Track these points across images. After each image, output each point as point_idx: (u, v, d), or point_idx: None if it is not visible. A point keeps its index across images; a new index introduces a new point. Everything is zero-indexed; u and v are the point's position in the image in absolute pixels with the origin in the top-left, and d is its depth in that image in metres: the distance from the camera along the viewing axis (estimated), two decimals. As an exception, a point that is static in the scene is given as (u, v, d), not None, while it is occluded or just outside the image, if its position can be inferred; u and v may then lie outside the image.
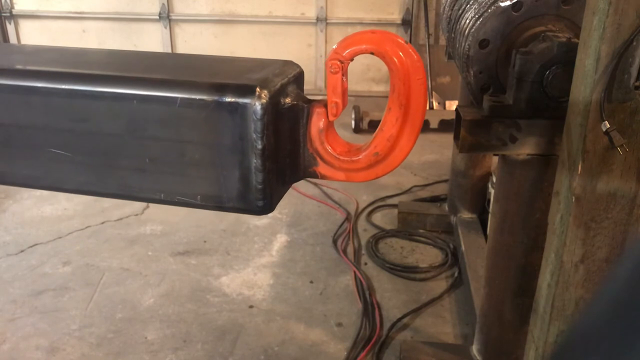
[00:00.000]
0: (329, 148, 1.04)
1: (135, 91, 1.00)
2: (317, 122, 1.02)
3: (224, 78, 1.02)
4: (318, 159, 1.05)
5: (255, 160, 0.98)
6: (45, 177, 1.12)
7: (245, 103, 0.95)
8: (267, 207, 1.04)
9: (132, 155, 1.05)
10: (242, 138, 0.97)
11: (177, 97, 0.98)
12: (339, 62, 0.95)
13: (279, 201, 1.08)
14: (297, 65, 1.12)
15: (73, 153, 1.07)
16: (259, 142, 0.96)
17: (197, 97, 0.97)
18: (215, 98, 0.96)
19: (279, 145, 1.01)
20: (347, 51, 0.96)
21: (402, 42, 0.96)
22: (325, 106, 1.00)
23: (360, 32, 0.98)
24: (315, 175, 1.06)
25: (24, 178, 1.15)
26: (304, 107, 1.02)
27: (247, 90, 0.96)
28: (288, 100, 1.01)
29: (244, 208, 1.04)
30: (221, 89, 0.97)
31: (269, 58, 1.18)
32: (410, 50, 0.96)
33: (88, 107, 1.03)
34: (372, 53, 0.97)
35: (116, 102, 1.01)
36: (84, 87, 1.02)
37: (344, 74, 0.98)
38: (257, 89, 0.95)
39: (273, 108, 0.97)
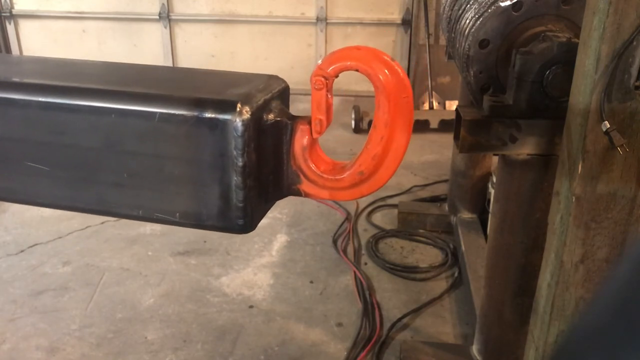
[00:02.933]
0: (312, 166, 1.02)
1: (113, 105, 0.98)
2: (301, 139, 1.00)
3: (205, 93, 0.99)
4: (302, 176, 1.02)
5: (235, 178, 0.95)
6: (21, 190, 1.09)
7: (226, 119, 0.92)
8: (247, 226, 1.02)
9: (110, 170, 1.03)
10: (222, 155, 0.95)
11: (156, 112, 0.95)
12: (323, 79, 0.94)
13: (261, 219, 1.05)
14: (282, 80, 1.10)
15: (50, 167, 1.05)
16: (240, 160, 0.94)
17: (177, 112, 0.94)
18: (195, 114, 0.93)
19: (261, 163, 0.98)
20: (331, 67, 0.94)
21: (388, 59, 0.95)
22: (309, 123, 0.98)
23: (345, 48, 0.97)
24: (298, 193, 1.04)
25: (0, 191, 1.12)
26: (287, 124, 1.00)
27: (228, 106, 0.93)
28: (271, 116, 0.99)
29: (224, 226, 1.02)
30: (201, 104, 0.94)
31: (259, 68, 1.16)
32: (397, 67, 0.95)
33: (65, 120, 1.00)
34: (356, 70, 0.95)
35: (94, 116, 0.99)
36: (61, 99, 1.00)
37: (329, 90, 0.97)
38: (239, 105, 0.93)
39: (255, 124, 0.94)
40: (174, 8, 5.79)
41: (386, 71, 0.94)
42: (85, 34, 5.93)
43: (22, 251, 3.03)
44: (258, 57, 5.78)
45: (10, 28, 5.96)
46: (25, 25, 6.01)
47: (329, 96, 0.98)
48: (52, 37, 5.95)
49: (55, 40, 5.93)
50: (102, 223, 3.30)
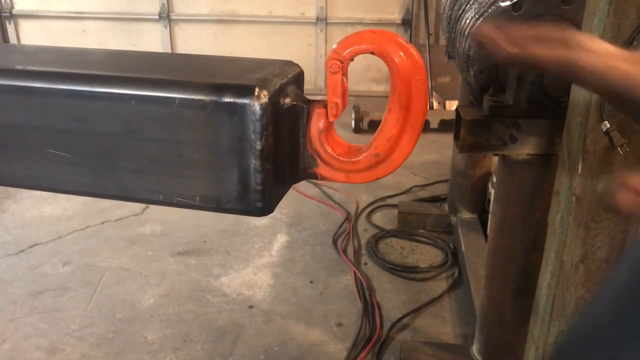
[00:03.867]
0: (328, 149, 1.03)
1: (133, 91, 0.99)
2: (317, 123, 1.01)
3: (223, 78, 1.00)
4: (318, 159, 1.03)
5: (254, 161, 0.97)
6: (43, 178, 1.11)
7: (244, 103, 0.94)
8: (266, 209, 1.03)
9: (130, 156, 1.04)
10: (240, 139, 0.96)
11: (175, 98, 0.97)
12: (338, 62, 0.94)
13: (278, 202, 1.07)
14: (297, 65, 1.11)
15: (71, 154, 1.06)
16: (258, 143, 0.95)
17: (196, 97, 0.96)
18: (214, 98, 0.95)
19: (278, 146, 1.00)
20: (347, 51, 0.95)
21: (403, 41, 0.95)
22: (325, 106, 0.99)
23: (360, 31, 0.97)
24: (315, 176, 1.05)
25: (21, 179, 1.14)
26: (303, 108, 1.01)
27: (246, 90, 0.95)
28: (287, 100, 1.00)
29: (243, 209, 1.03)
30: (220, 89, 0.96)
31: (269, 58, 1.17)
32: (411, 49, 0.95)
33: (86, 107, 1.02)
34: (372, 53, 0.96)
35: (114, 103, 1.00)
36: (81, 87, 1.01)
37: (344, 74, 0.97)
38: (256, 90, 0.94)
39: (272, 108, 0.96)
40: (174, 8, 5.79)
41: (401, 53, 0.95)
42: (85, 34, 5.93)
43: (22, 251, 3.03)
44: (258, 57, 5.77)
45: (10, 28, 5.96)
46: (25, 25, 6.01)
47: (345, 80, 0.99)
48: (52, 37, 5.95)
49: (55, 40, 5.93)
50: (102, 223, 3.30)
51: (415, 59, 0.96)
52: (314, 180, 2.81)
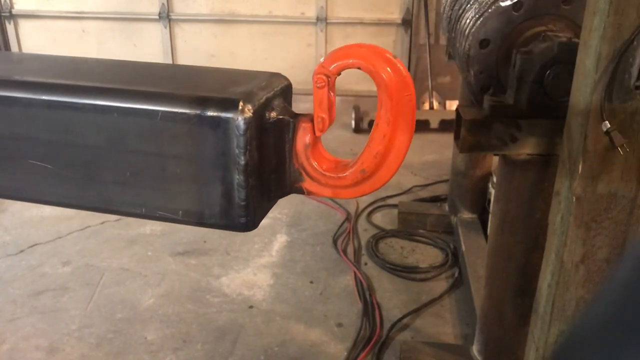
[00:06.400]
0: (315, 164, 1.01)
1: (115, 103, 0.98)
2: (303, 137, 1.00)
3: (207, 91, 0.98)
4: (304, 174, 1.02)
5: (237, 176, 0.95)
6: (26, 189, 1.10)
7: (228, 117, 0.92)
8: (250, 224, 1.01)
9: (113, 169, 1.03)
10: (224, 153, 0.94)
11: (158, 110, 0.95)
12: (324, 77, 0.94)
13: (263, 217, 1.05)
14: (285, 78, 1.09)
15: (54, 165, 1.05)
16: (242, 158, 0.94)
17: (179, 110, 0.94)
18: (197, 112, 0.93)
19: (263, 161, 0.98)
20: (333, 65, 0.94)
21: (391, 57, 0.95)
22: (312, 121, 0.98)
23: (347, 45, 0.96)
24: (301, 191, 1.04)
25: (3, 189, 1.12)
26: (289, 122, 1.00)
27: (230, 104, 0.93)
28: (273, 114, 0.98)
29: (227, 224, 1.01)
30: (203, 102, 0.94)
31: (259, 67, 1.16)
32: (399, 65, 0.95)
33: (68, 118, 1.00)
34: (359, 68, 0.95)
35: (97, 114, 0.99)
36: (64, 98, 1.00)
37: (331, 88, 0.96)
38: (240, 103, 0.92)
39: (257, 123, 0.94)
40: (174, 8, 5.78)
41: (388, 69, 0.94)
42: (85, 34, 5.93)
43: (21, 251, 3.03)
44: (258, 57, 5.78)
45: (10, 28, 5.96)
46: (25, 25, 6.00)
47: (331, 94, 0.97)
48: (52, 37, 5.95)
49: (54, 40, 5.93)
50: (102, 223, 3.30)
51: (403, 75, 0.95)
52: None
